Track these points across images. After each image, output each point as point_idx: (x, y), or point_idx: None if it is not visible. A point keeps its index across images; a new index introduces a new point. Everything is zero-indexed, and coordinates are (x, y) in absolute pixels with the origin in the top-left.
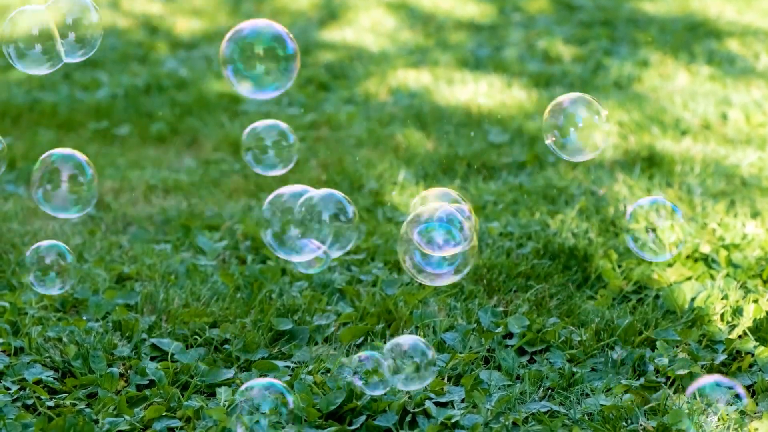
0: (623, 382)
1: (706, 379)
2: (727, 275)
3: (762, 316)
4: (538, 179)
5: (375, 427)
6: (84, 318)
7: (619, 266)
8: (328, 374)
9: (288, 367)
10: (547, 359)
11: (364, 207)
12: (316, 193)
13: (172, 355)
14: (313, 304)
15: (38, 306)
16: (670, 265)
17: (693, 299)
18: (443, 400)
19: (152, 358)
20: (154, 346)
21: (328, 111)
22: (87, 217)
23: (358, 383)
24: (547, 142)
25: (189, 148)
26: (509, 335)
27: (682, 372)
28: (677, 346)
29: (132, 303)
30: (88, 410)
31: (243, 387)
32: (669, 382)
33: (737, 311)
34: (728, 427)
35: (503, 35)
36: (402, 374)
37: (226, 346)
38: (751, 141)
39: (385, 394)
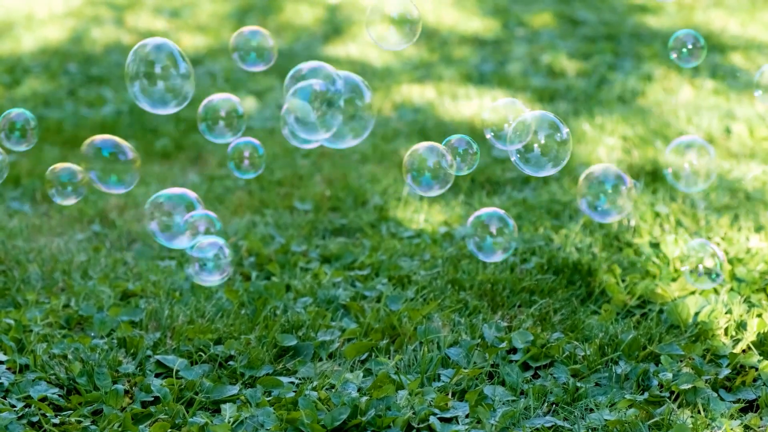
0: (627, 396)
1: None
2: (731, 289)
3: (766, 330)
4: (542, 194)
5: None
6: (89, 335)
7: (623, 281)
8: (333, 390)
9: (292, 383)
10: (552, 374)
11: (368, 222)
12: None
13: (177, 371)
14: (318, 320)
15: (43, 323)
16: (674, 279)
17: (697, 314)
18: (448, 415)
19: (157, 375)
20: (158, 363)
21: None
22: (92, 234)
23: None
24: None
25: (193, 164)
26: (513, 350)
27: (686, 386)
28: (681, 361)
29: (137, 320)
30: (93, 427)
31: None
32: (673, 397)
33: (741, 325)
34: None
35: (507, 50)
36: None
37: (231, 362)
38: (755, 155)
39: (388, 408)
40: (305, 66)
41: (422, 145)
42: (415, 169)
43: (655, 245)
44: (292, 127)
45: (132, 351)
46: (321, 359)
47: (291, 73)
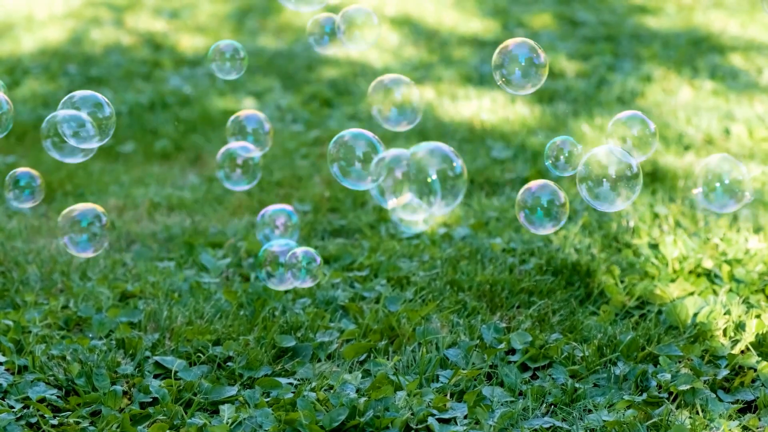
0: (626, 397)
1: None
2: (730, 290)
3: (764, 331)
4: None
5: None
6: (87, 336)
7: (622, 282)
8: (331, 391)
9: (291, 384)
10: (550, 375)
11: (367, 223)
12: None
13: (176, 372)
14: (316, 321)
15: (42, 324)
16: (672, 280)
17: (695, 315)
18: (446, 416)
19: (156, 376)
20: (157, 364)
21: (331, 127)
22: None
23: None
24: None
25: (193, 166)
26: (512, 351)
27: (684, 387)
28: (680, 362)
29: (135, 321)
30: (91, 428)
31: None
32: (671, 398)
33: (740, 326)
34: None
35: None
36: None
37: (230, 363)
38: (754, 155)
39: (387, 409)
40: (387, 155)
41: (536, 184)
42: (528, 207)
43: (654, 246)
44: (398, 218)
45: (131, 352)
46: (320, 360)
47: (375, 160)
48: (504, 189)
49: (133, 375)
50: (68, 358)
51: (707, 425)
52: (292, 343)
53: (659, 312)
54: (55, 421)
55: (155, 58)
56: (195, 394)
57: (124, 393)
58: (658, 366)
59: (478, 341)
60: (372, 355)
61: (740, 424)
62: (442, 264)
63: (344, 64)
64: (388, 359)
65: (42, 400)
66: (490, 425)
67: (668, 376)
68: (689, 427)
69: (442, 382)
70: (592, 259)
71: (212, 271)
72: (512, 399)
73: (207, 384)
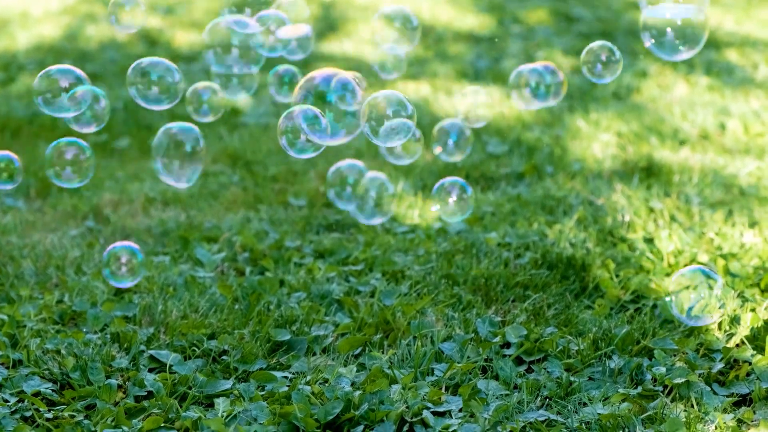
0: (621, 391)
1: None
2: (725, 284)
3: (759, 325)
4: (536, 189)
5: None
6: (82, 330)
7: (617, 276)
8: (326, 384)
9: (286, 377)
10: (545, 368)
11: None
12: None
13: (171, 366)
14: (311, 314)
15: (37, 318)
16: (668, 274)
17: (691, 308)
18: (441, 409)
19: (150, 370)
20: (152, 358)
21: None
22: (86, 230)
23: None
24: None
25: None
26: (507, 345)
27: (679, 381)
28: (675, 355)
29: (130, 315)
30: (86, 422)
31: None
32: (666, 391)
33: (735, 320)
34: None
35: (502, 46)
36: None
37: (225, 357)
38: (750, 151)
39: (382, 402)
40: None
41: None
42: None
43: (649, 240)
44: None
45: (125, 346)
46: (314, 354)
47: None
48: (499, 184)
49: (128, 369)
50: (63, 352)
51: (702, 418)
52: (287, 337)
53: (654, 306)
54: (49, 415)
55: (150, 54)
56: (190, 388)
57: (119, 387)
58: (653, 359)
59: (473, 335)
60: (367, 348)
61: (735, 417)
62: (438, 258)
63: (340, 59)
64: (383, 353)
65: (37, 394)
66: (485, 418)
67: (663, 369)
68: (684, 420)
69: (437, 376)
70: (587, 253)
71: (207, 265)
72: (507, 392)
73: (202, 378)
